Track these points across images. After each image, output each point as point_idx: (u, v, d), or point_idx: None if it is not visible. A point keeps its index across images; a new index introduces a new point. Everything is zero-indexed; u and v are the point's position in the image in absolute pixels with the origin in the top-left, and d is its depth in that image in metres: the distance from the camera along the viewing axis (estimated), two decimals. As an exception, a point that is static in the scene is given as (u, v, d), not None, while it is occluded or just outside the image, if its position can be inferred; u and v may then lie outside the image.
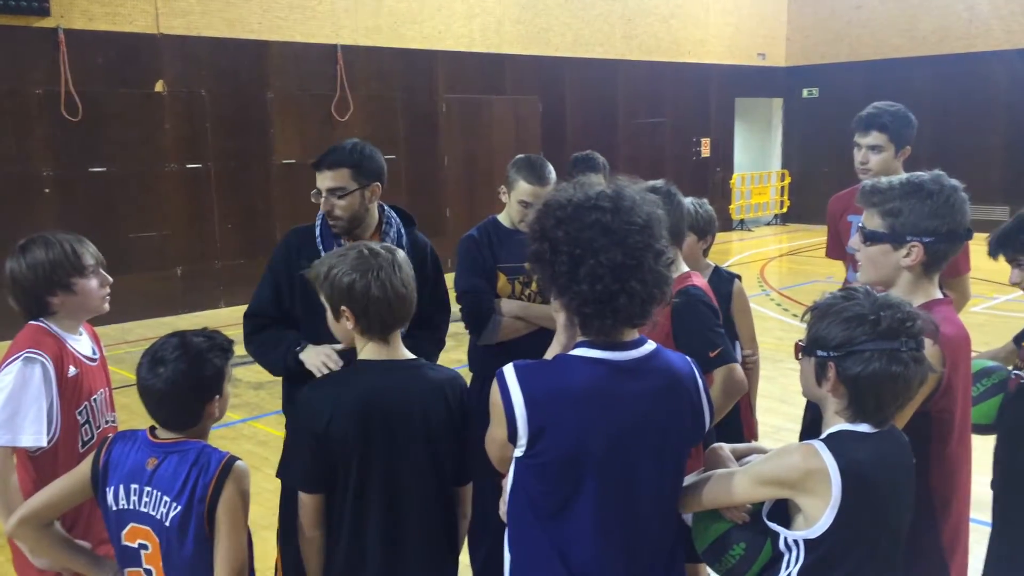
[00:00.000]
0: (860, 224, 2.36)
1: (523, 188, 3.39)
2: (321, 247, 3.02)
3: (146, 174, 10.30)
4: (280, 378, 3.11)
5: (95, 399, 2.65)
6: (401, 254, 2.31)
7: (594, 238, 1.81)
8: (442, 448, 2.27)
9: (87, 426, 2.61)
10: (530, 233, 1.93)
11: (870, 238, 2.31)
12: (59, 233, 2.64)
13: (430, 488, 2.27)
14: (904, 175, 2.35)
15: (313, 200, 3.03)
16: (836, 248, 4.02)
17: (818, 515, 1.85)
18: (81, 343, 2.67)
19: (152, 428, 2.25)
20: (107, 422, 2.71)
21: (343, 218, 2.96)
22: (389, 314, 2.24)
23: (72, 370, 2.56)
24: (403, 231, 3.15)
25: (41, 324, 2.58)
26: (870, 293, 1.95)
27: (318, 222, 3.08)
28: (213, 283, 10.87)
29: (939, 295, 2.34)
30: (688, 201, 3.45)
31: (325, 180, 2.95)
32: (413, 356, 2.34)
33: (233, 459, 2.18)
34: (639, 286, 1.81)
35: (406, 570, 2.25)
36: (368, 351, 2.29)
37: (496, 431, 1.91)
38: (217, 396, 2.23)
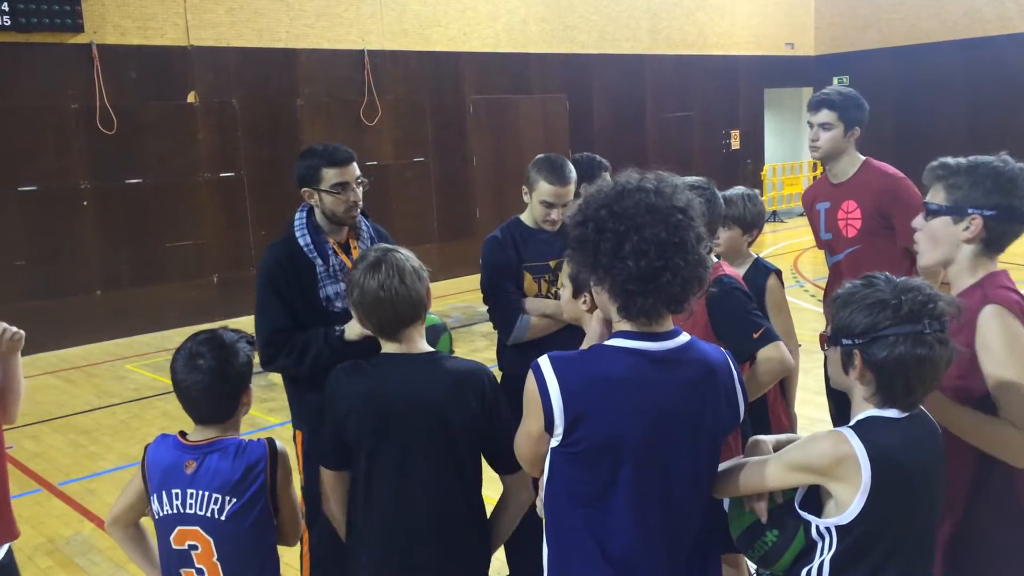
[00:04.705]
0: (925, 201, 2.37)
1: (544, 188, 3.41)
2: (313, 254, 3.12)
3: (181, 184, 10.47)
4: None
5: None
6: (402, 256, 2.38)
7: (638, 214, 1.85)
8: (465, 439, 2.31)
9: None
10: (571, 223, 1.97)
11: (932, 212, 2.30)
12: None
13: (447, 480, 2.31)
14: (974, 157, 2.35)
15: (337, 196, 3.11)
16: (820, 238, 4.05)
17: (849, 501, 1.86)
18: None
19: (182, 433, 2.33)
20: None
21: (360, 204, 3.17)
22: (392, 313, 2.31)
23: None
24: (367, 223, 3.34)
25: None
26: (890, 279, 1.96)
27: (301, 232, 3.15)
28: (249, 289, 10.92)
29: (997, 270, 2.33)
30: (739, 194, 3.47)
31: (353, 171, 3.15)
32: (431, 349, 2.40)
33: (272, 442, 2.33)
34: (682, 263, 1.84)
35: (415, 556, 2.31)
36: (387, 347, 2.37)
37: (531, 424, 1.93)
38: (249, 385, 2.35)
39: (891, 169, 3.87)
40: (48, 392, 7.88)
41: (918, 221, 2.37)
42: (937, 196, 2.31)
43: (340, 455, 2.33)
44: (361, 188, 3.17)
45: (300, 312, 3.07)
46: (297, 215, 3.21)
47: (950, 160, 2.32)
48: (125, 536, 2.42)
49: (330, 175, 3.10)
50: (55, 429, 6.85)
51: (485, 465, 2.44)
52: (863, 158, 3.93)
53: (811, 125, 3.93)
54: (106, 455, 6.19)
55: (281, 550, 2.42)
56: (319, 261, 3.10)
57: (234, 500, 2.23)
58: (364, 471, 2.31)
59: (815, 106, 3.91)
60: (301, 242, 3.13)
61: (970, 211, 2.24)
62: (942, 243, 2.30)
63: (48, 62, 9.45)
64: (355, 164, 3.16)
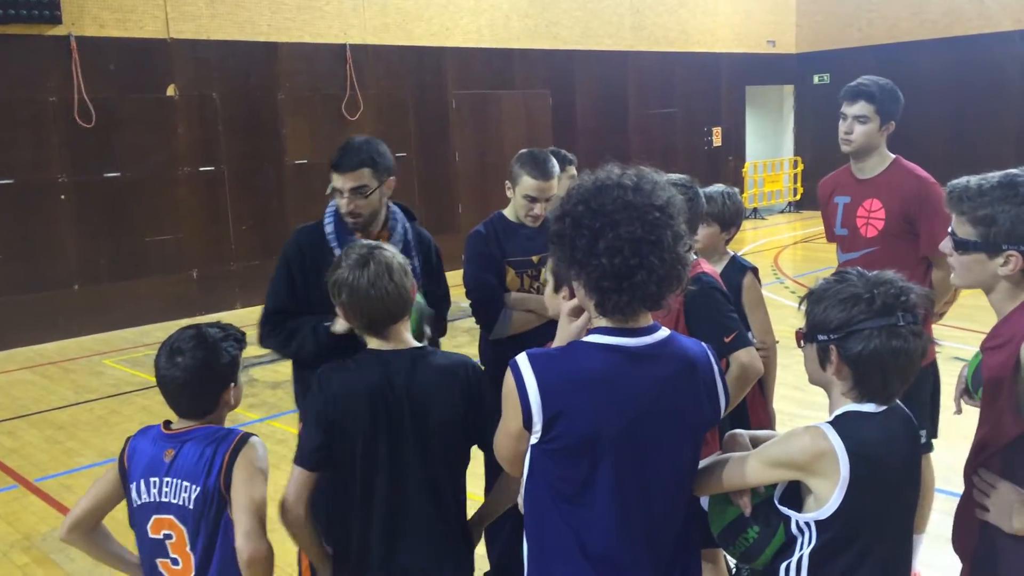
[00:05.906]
0: (950, 229, 2.17)
1: (527, 183, 3.43)
2: (336, 244, 3.08)
3: (160, 178, 10.39)
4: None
5: None
6: (388, 253, 2.36)
7: (615, 211, 1.83)
8: (452, 434, 2.31)
9: None
10: (552, 219, 1.96)
11: (961, 247, 2.13)
12: None
13: (438, 473, 2.32)
14: (997, 175, 2.12)
15: (334, 199, 3.10)
16: (832, 232, 4.02)
17: (827, 496, 1.87)
18: None
19: (167, 422, 2.32)
20: None
21: (364, 215, 3.07)
22: (383, 311, 2.30)
23: None
24: (407, 226, 3.25)
25: None
26: (863, 273, 1.97)
27: (329, 220, 3.15)
28: (229, 284, 10.95)
29: None
30: (719, 191, 3.47)
31: (348, 181, 3.02)
32: (418, 344, 2.40)
33: (248, 434, 2.28)
34: (657, 262, 1.82)
35: (411, 554, 2.30)
36: (372, 344, 2.36)
37: (510, 422, 1.92)
38: (232, 384, 2.33)
39: (922, 172, 3.69)
40: (25, 387, 7.80)
41: (946, 246, 2.19)
42: (964, 228, 2.11)
43: (322, 454, 2.28)
44: (358, 198, 3.02)
45: (313, 297, 3.01)
46: (331, 203, 3.20)
47: (972, 183, 2.12)
48: (89, 540, 2.36)
49: (332, 176, 3.07)
50: (32, 424, 6.79)
51: (475, 462, 2.43)
52: (892, 156, 3.75)
53: (844, 117, 3.70)
54: (83, 451, 6.14)
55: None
56: (339, 251, 3.02)
57: (197, 488, 2.21)
58: (360, 470, 2.27)
59: (851, 96, 3.68)
60: (327, 229, 3.13)
61: (1005, 248, 2.06)
62: (977, 276, 2.14)
63: (25, 54, 9.34)
64: (358, 173, 3.01)
